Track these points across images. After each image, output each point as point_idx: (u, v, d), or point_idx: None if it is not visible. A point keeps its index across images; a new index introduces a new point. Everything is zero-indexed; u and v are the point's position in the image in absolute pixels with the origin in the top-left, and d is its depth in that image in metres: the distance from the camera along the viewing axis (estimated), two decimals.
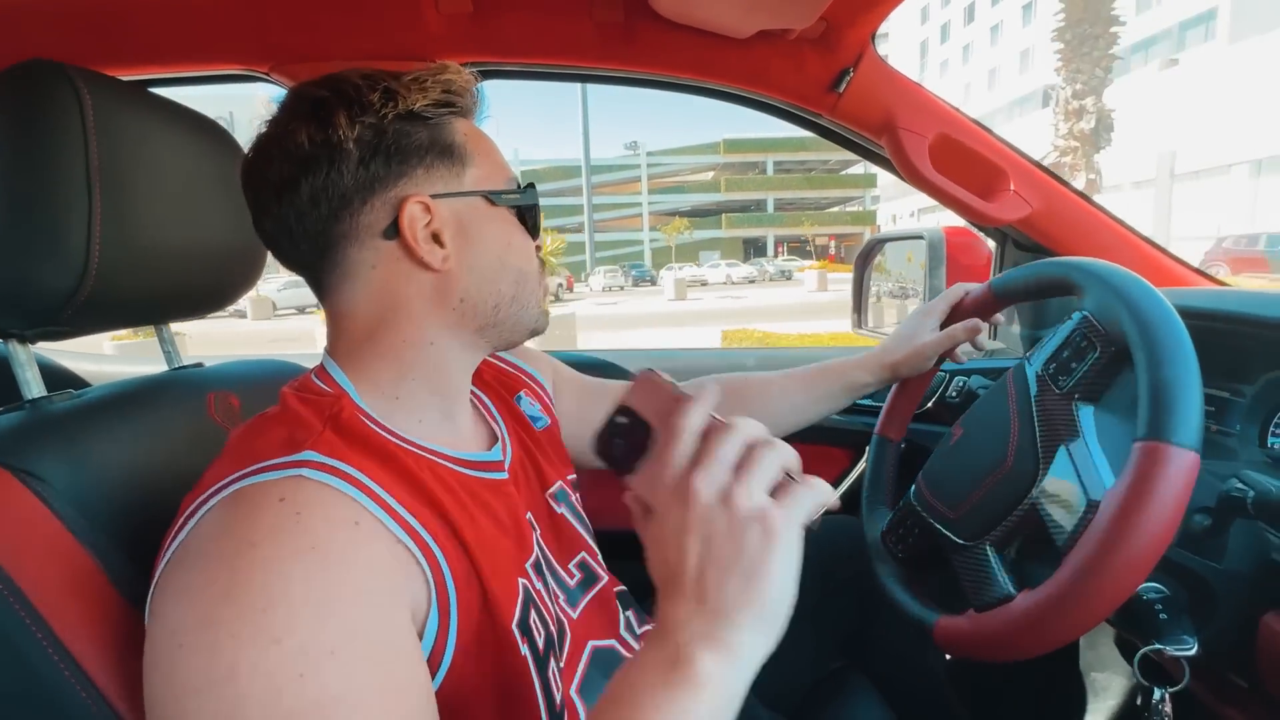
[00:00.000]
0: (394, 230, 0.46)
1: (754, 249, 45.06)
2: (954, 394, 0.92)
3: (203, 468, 0.45)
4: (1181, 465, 0.42)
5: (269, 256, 0.71)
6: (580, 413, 0.73)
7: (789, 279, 27.37)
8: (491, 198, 0.50)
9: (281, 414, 0.46)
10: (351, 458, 0.41)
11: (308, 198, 0.45)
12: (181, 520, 0.39)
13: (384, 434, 0.46)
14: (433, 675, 0.41)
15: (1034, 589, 0.48)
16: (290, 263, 0.50)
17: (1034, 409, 0.57)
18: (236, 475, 0.39)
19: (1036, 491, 0.53)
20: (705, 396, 0.38)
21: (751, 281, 27.79)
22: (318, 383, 0.48)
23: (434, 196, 0.47)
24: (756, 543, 0.34)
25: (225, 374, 0.69)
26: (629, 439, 0.40)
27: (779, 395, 0.79)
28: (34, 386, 0.56)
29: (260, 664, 0.33)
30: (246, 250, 0.67)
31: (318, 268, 0.48)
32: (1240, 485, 0.48)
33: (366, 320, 0.48)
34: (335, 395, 0.46)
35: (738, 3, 0.77)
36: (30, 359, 0.56)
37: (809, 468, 0.37)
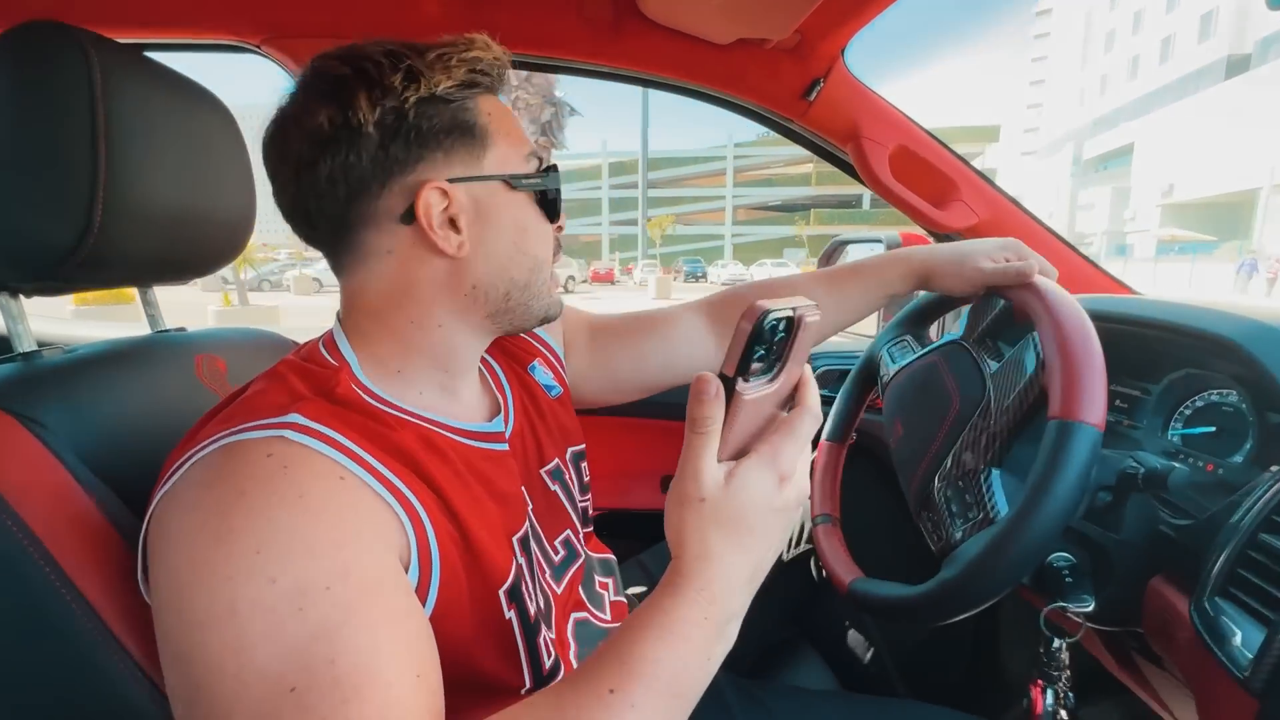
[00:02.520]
0: (410, 216, 0.46)
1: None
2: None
3: (189, 424, 0.46)
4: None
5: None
6: (593, 360, 0.74)
7: None
8: (511, 181, 0.49)
9: (275, 379, 0.46)
10: (335, 422, 0.42)
11: (325, 179, 0.44)
12: (173, 469, 0.40)
13: (378, 404, 0.47)
14: None
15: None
16: (308, 239, 0.50)
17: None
18: (227, 431, 0.40)
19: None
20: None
21: None
22: (323, 352, 0.49)
23: (452, 181, 0.46)
24: (794, 515, 0.39)
25: (211, 338, 0.71)
26: (767, 351, 0.37)
27: (801, 289, 0.75)
28: (26, 340, 0.56)
29: (259, 601, 0.34)
30: (235, 219, 0.69)
31: (334, 247, 0.49)
32: (1133, 463, 0.55)
33: (377, 300, 0.48)
34: (336, 368, 0.47)
35: (720, 10, 0.82)
36: (23, 313, 0.57)
37: None
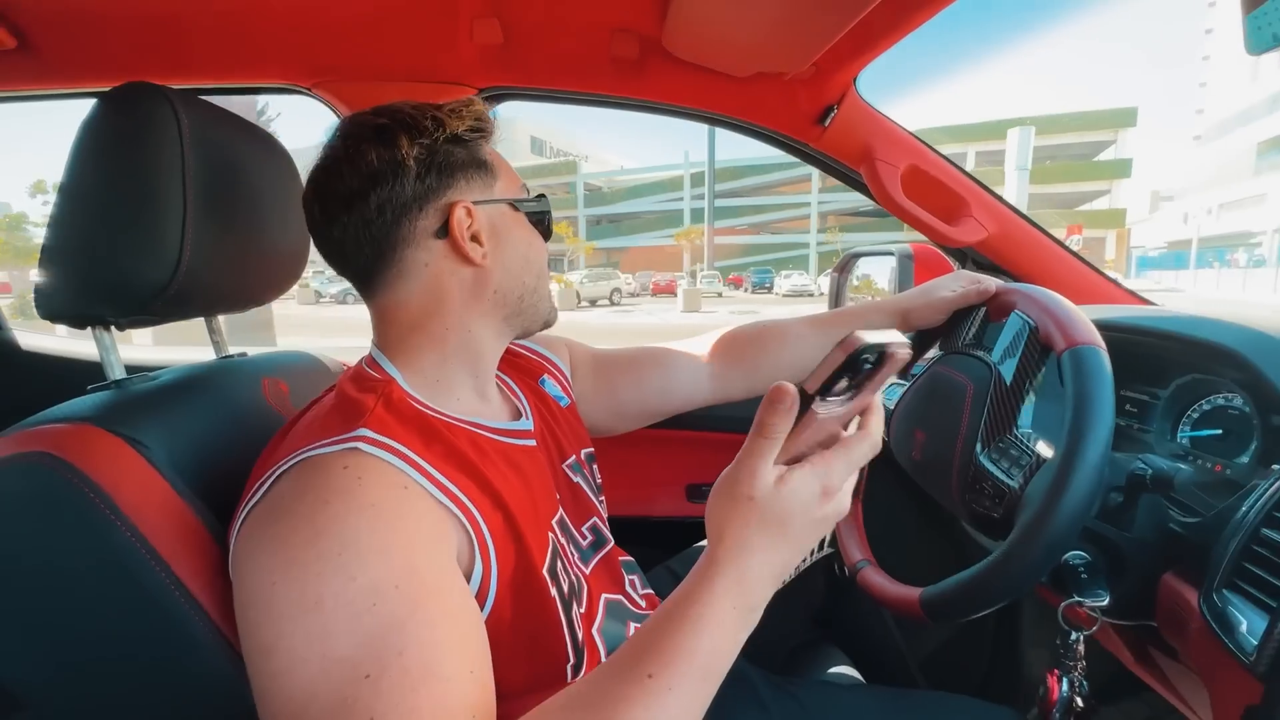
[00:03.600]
0: (444, 231, 0.54)
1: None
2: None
3: (261, 441, 0.52)
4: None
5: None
6: (596, 386, 0.81)
7: None
8: (515, 204, 0.59)
9: (340, 399, 0.52)
10: (399, 434, 0.47)
11: (375, 207, 0.52)
12: (259, 483, 0.45)
13: (428, 412, 0.53)
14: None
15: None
16: (345, 265, 0.56)
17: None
18: (307, 448, 0.45)
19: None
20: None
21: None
22: (369, 372, 0.55)
23: (474, 203, 0.55)
24: (829, 528, 0.41)
25: (271, 363, 0.76)
26: (851, 378, 0.38)
27: (795, 341, 0.83)
28: (118, 369, 0.62)
29: (341, 595, 0.39)
30: (295, 251, 0.75)
31: (374, 268, 0.55)
32: (1142, 465, 0.58)
33: (416, 311, 0.56)
34: (386, 381, 0.53)
35: (740, 48, 0.88)
36: (115, 345, 0.62)
37: None
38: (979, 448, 0.67)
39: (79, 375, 0.64)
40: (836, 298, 1.37)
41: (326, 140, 0.55)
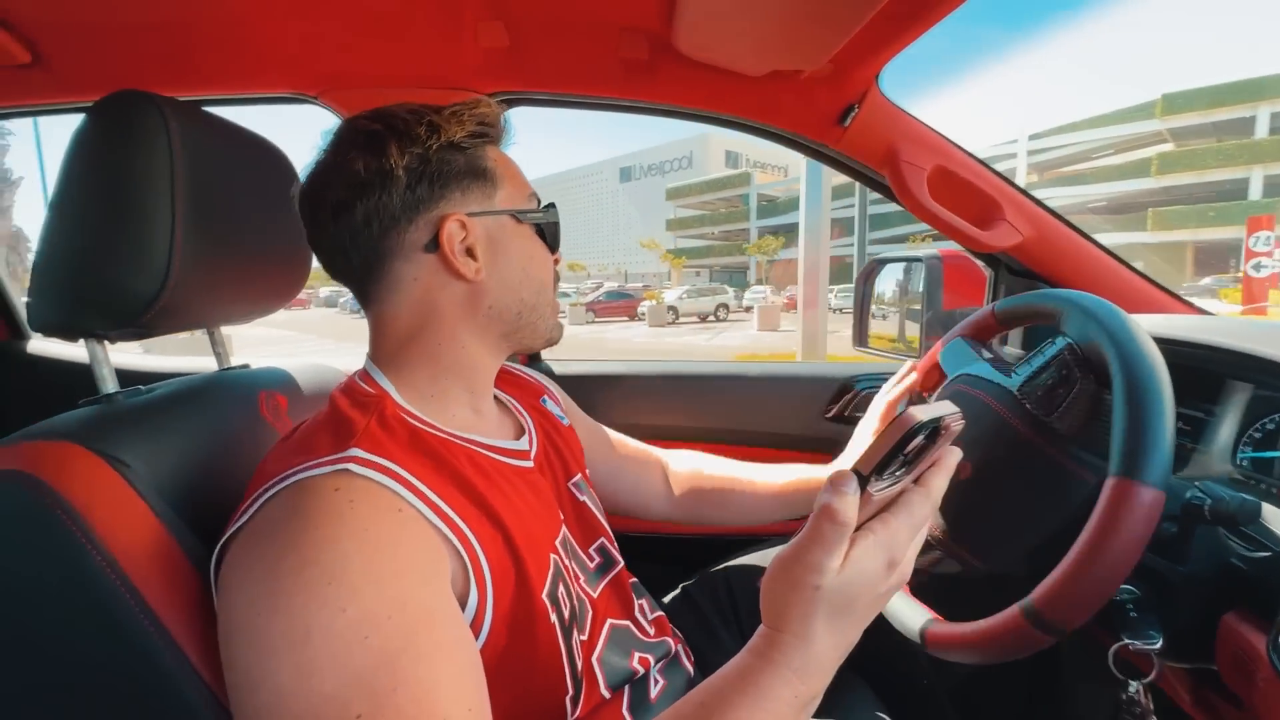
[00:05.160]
0: (434, 245, 0.52)
1: (1213, 258, 25.37)
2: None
3: (256, 459, 0.50)
4: (1146, 501, 0.47)
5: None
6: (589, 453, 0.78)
7: None
8: (518, 216, 0.56)
9: (332, 415, 0.50)
10: (393, 453, 0.46)
11: (361, 218, 0.50)
12: (246, 505, 0.43)
13: (423, 427, 0.51)
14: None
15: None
16: (340, 275, 0.55)
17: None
18: (296, 468, 0.43)
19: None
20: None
21: None
22: (362, 385, 0.53)
23: (469, 215, 0.53)
24: (891, 598, 0.40)
25: (271, 376, 0.75)
26: (905, 458, 0.37)
27: (763, 509, 0.86)
28: (109, 383, 0.61)
29: (331, 628, 0.37)
30: (297, 259, 0.73)
31: (365, 280, 0.53)
32: (1199, 494, 0.52)
33: (408, 325, 0.54)
34: (379, 395, 0.51)
35: (754, 45, 0.84)
36: (107, 358, 0.61)
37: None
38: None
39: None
40: (860, 306, 1.32)
41: (321, 145, 0.54)
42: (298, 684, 0.36)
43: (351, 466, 0.43)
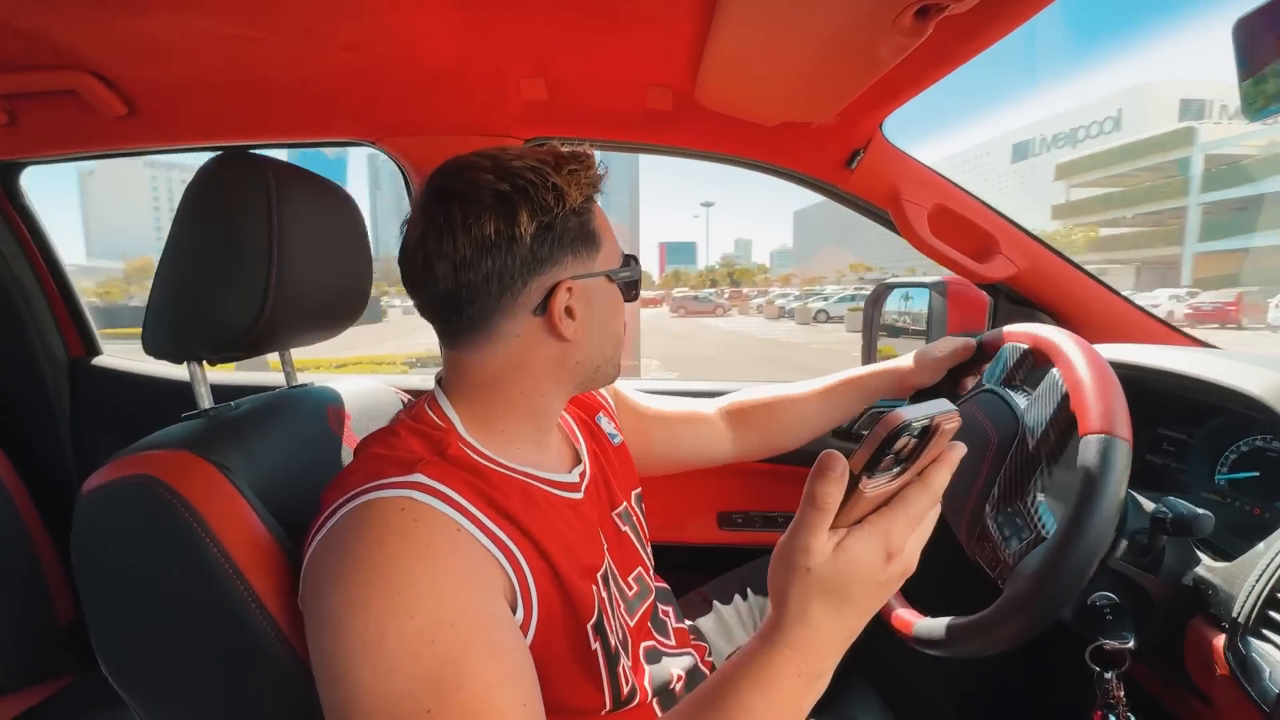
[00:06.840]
0: (543, 309, 0.54)
1: None
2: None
3: (328, 465, 0.56)
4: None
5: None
6: (634, 435, 0.83)
7: None
8: (612, 276, 0.58)
9: (397, 439, 0.53)
10: (453, 481, 0.49)
11: (482, 276, 0.51)
12: (325, 515, 0.48)
13: (483, 461, 0.54)
14: None
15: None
16: (438, 320, 0.56)
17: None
18: (367, 486, 0.47)
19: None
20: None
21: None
22: (430, 414, 0.56)
23: (574, 278, 0.54)
24: (895, 588, 0.41)
25: (333, 394, 0.83)
26: (896, 455, 0.37)
27: (801, 404, 0.92)
28: (207, 399, 0.69)
29: (402, 633, 0.40)
30: (360, 288, 0.81)
31: (466, 329, 0.54)
32: (1162, 509, 0.58)
33: (494, 373, 0.56)
34: (445, 429, 0.55)
35: (768, 101, 0.93)
36: (205, 377, 0.70)
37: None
38: (988, 508, 0.68)
39: (158, 394, 0.70)
40: (869, 328, 1.39)
41: (434, 194, 0.53)
42: (375, 681, 0.40)
43: (415, 494, 0.46)
